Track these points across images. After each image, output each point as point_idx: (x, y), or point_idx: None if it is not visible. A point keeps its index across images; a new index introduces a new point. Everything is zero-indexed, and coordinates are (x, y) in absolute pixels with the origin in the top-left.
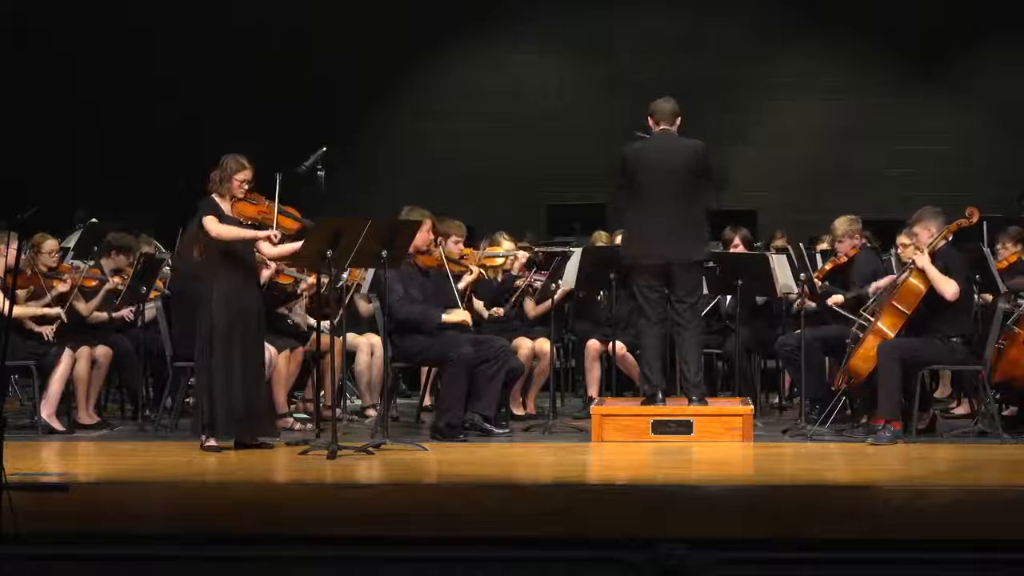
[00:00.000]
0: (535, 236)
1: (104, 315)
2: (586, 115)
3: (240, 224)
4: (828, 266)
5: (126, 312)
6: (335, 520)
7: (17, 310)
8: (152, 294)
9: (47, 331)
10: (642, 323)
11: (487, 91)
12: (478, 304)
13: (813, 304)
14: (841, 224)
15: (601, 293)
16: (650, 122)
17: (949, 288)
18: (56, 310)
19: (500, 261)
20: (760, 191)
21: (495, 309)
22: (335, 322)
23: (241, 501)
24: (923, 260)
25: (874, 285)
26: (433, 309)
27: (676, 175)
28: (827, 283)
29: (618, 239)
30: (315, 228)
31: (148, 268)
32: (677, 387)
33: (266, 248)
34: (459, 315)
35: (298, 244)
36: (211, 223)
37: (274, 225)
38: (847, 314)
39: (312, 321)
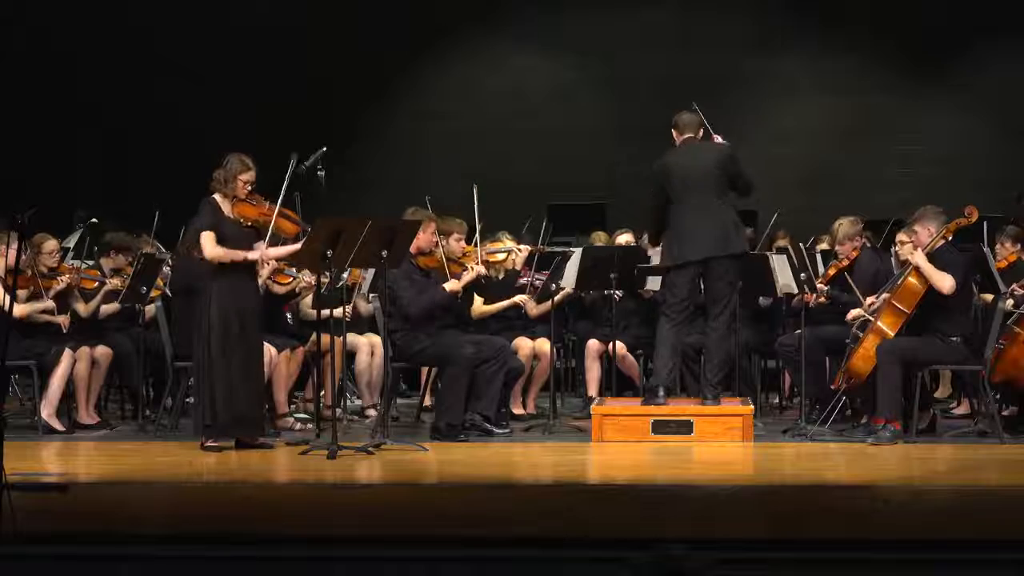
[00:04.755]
0: (535, 236)
1: (113, 306)
2: (586, 115)
3: (240, 225)
4: (831, 270)
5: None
6: (335, 520)
7: (20, 309)
8: (154, 292)
9: (63, 321)
10: (662, 319)
11: (487, 91)
12: (478, 303)
13: (823, 300)
14: (843, 226)
15: (615, 296)
16: (674, 134)
17: (945, 282)
18: (63, 318)
19: (502, 257)
20: (760, 191)
21: (520, 297)
22: (344, 314)
23: (241, 501)
24: (918, 258)
25: (869, 300)
26: (437, 289)
27: (706, 177)
28: (830, 287)
29: (618, 239)
30: (315, 228)
31: (148, 268)
32: (678, 387)
33: (263, 251)
34: (453, 284)
35: (296, 246)
36: (207, 243)
37: (271, 225)
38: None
39: (313, 314)
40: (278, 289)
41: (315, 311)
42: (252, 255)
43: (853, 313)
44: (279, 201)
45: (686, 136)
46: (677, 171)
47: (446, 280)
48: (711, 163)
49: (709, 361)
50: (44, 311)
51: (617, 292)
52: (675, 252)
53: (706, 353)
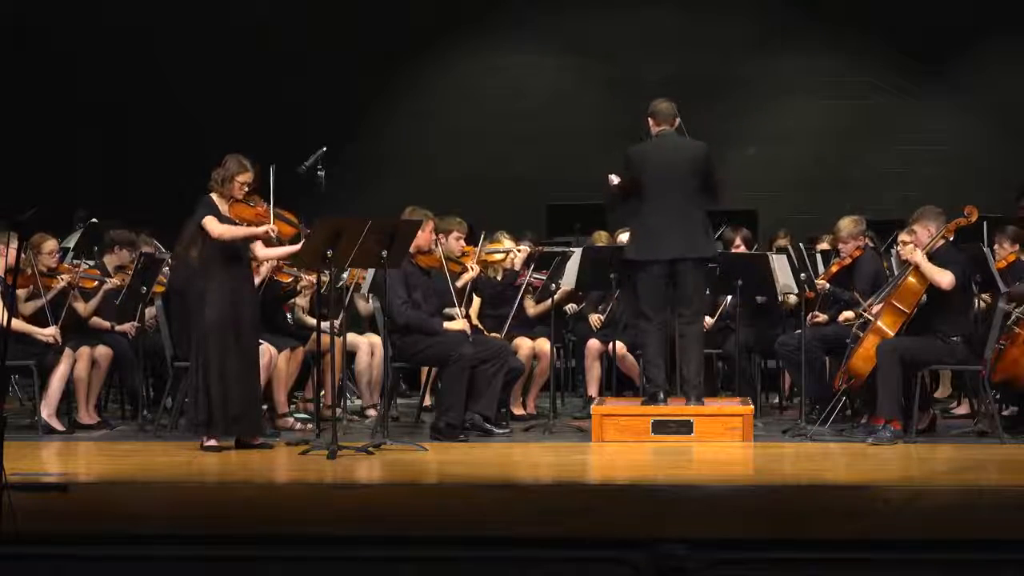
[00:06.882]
0: (535, 236)
1: (106, 324)
2: (586, 115)
3: (237, 225)
4: (833, 268)
5: (129, 327)
6: (335, 520)
7: (16, 324)
8: (157, 288)
9: (52, 337)
10: (642, 324)
11: (487, 91)
12: (475, 312)
13: (823, 318)
14: (846, 225)
15: (615, 299)
16: (649, 123)
17: (944, 278)
18: (51, 330)
19: (500, 257)
20: (760, 191)
21: (494, 336)
22: (337, 323)
23: (241, 501)
24: (916, 257)
25: (874, 310)
26: (434, 319)
27: (680, 175)
28: (831, 285)
29: (619, 238)
30: (315, 228)
31: (148, 268)
32: (677, 387)
33: (259, 251)
34: (458, 324)
35: (292, 248)
36: (212, 223)
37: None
38: (863, 313)
39: (312, 320)
40: (277, 291)
41: (311, 316)
42: (260, 230)
43: (846, 315)
44: (271, 196)
45: (662, 127)
46: (651, 164)
47: (445, 281)
48: (687, 161)
49: (686, 365)
50: (36, 328)
51: (598, 315)
52: (642, 248)
53: (682, 356)
